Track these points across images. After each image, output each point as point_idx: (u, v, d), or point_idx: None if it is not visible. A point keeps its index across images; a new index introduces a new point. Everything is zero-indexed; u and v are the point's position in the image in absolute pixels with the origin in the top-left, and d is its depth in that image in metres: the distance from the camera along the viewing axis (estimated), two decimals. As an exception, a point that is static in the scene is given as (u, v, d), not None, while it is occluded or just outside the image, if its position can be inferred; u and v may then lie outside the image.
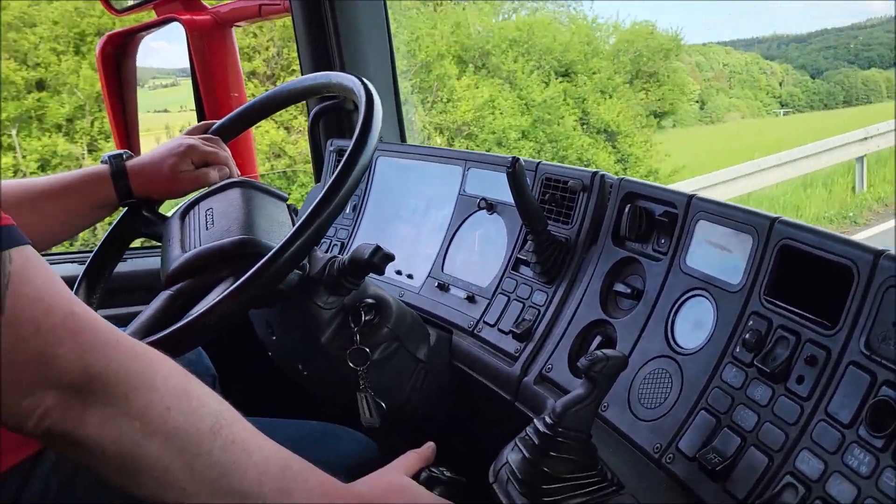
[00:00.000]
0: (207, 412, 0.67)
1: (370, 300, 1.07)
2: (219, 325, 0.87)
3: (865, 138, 8.51)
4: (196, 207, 1.09)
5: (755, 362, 0.75)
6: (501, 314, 1.12)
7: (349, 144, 0.94)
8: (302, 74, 1.60)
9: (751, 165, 8.08)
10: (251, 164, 1.86)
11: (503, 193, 1.15)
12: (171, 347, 0.74)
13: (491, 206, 1.22)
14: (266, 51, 8.11)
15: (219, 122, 1.26)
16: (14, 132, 7.58)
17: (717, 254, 0.86)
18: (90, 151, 7.77)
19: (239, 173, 1.20)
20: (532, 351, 1.05)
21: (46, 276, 0.62)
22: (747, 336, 0.78)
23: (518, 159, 1.02)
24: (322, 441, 1.13)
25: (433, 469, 0.83)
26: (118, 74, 1.88)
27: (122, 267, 1.25)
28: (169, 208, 1.21)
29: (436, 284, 1.26)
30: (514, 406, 1.05)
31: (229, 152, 1.20)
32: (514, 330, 1.07)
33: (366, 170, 0.95)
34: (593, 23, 11.09)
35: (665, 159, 10.28)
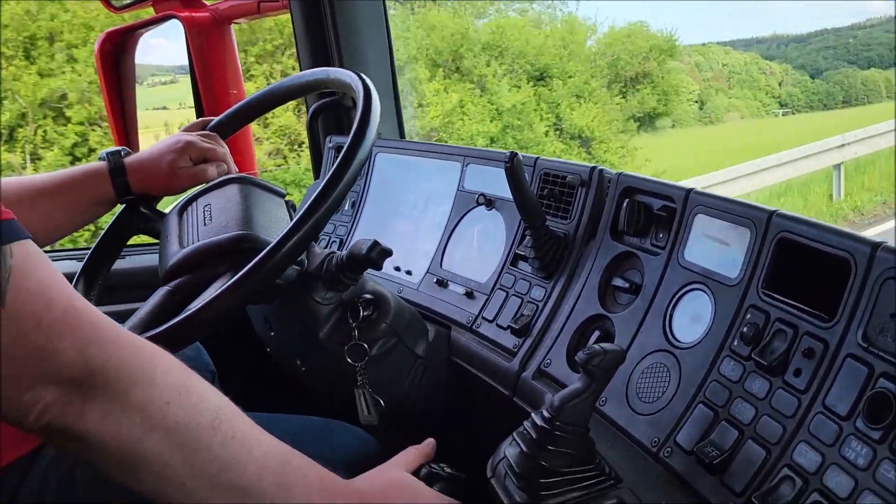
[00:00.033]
0: (207, 407, 0.67)
1: (368, 296, 1.07)
2: (217, 321, 0.87)
3: (843, 145, 8.29)
4: (194, 203, 1.09)
5: (753, 355, 0.76)
6: (500, 310, 1.12)
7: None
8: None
9: (728, 172, 7.93)
10: (249, 160, 1.86)
11: (502, 189, 1.15)
12: (170, 343, 0.74)
13: (489, 202, 1.22)
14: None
15: (217, 118, 1.26)
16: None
17: (715, 247, 0.86)
18: (33, 161, 7.45)
19: (237, 169, 1.21)
20: (530, 346, 1.05)
21: (47, 270, 0.62)
22: (745, 329, 0.78)
23: (516, 154, 1.02)
24: (321, 436, 1.13)
25: (433, 465, 0.83)
26: (117, 72, 1.89)
27: (120, 264, 1.25)
28: (167, 205, 1.21)
29: (434, 280, 1.26)
30: (512, 401, 1.05)
31: (227, 149, 1.21)
32: (513, 325, 1.07)
33: (363, 165, 0.95)
34: (561, 24, 10.87)
35: (645, 164, 10.12)
